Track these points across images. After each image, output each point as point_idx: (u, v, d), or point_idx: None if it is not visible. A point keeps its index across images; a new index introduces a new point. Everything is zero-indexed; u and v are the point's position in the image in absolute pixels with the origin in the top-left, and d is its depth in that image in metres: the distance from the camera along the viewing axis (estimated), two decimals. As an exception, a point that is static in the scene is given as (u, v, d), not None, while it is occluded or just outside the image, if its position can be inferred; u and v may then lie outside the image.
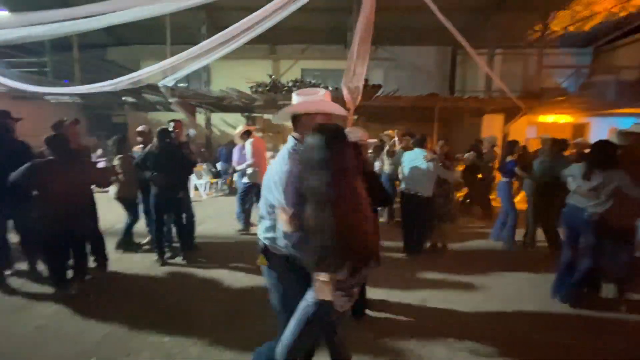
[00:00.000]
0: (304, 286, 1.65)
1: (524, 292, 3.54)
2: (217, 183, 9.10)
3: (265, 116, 11.22)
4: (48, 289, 3.34)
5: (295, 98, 1.79)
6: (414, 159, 4.31)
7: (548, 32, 8.59)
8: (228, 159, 8.41)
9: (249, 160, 5.07)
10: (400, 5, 8.95)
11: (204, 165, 8.93)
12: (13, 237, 3.58)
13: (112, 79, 4.86)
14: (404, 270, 3.97)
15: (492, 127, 9.79)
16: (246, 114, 11.33)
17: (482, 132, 9.61)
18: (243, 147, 5.28)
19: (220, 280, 3.71)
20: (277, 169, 1.66)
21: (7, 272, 3.52)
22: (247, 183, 5.25)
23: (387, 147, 6.07)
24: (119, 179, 4.16)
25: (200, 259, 4.25)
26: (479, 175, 6.49)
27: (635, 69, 9.53)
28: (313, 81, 8.98)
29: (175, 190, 4.06)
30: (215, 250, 4.58)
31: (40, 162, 3.13)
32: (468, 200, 7.02)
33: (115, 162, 4.21)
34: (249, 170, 5.15)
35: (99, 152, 8.24)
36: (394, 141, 6.01)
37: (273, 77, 8.67)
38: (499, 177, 5.25)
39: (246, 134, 5.30)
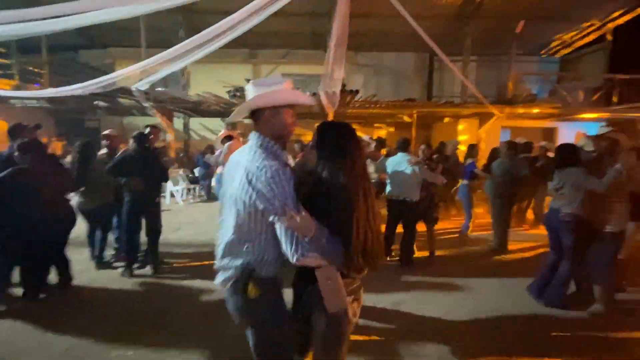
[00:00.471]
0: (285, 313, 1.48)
1: (500, 294, 3.54)
2: (194, 189, 8.92)
3: (246, 121, 11.10)
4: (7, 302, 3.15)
5: (252, 90, 1.45)
6: (398, 163, 4.21)
7: (520, 40, 9.02)
8: (207, 165, 8.28)
9: (222, 164, 4.99)
10: (379, 13, 9.16)
11: (181, 171, 8.74)
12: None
13: (83, 82, 4.70)
14: (379, 274, 3.92)
15: (468, 130, 10.10)
16: (226, 119, 11.20)
17: (458, 136, 9.90)
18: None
19: (192, 290, 3.54)
20: (251, 169, 1.33)
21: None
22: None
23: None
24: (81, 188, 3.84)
25: (171, 269, 4.10)
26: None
27: (597, 76, 10.14)
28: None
29: (152, 196, 3.94)
30: (188, 258, 4.44)
31: (17, 169, 3.00)
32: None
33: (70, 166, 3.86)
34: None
35: (69, 158, 7.91)
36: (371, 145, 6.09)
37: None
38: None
39: (227, 139, 5.23)
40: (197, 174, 8.97)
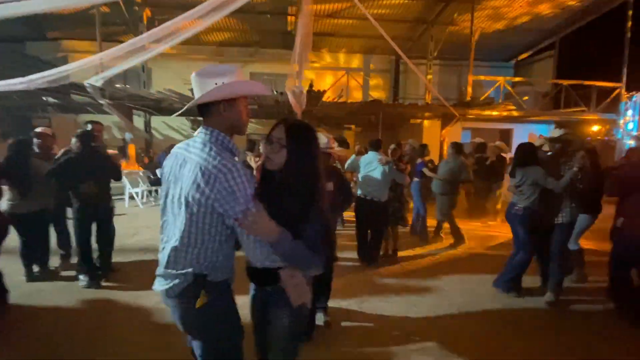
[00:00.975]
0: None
1: (473, 292, 3.62)
2: (156, 191, 8.53)
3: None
4: None
5: (200, 81, 1.29)
6: (369, 162, 4.21)
7: (477, 45, 9.56)
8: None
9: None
10: (347, 14, 9.30)
11: (141, 172, 8.33)
12: None
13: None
14: (354, 276, 3.95)
15: (431, 131, 10.49)
16: (191, 117, 10.82)
17: (423, 136, 10.25)
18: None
19: (149, 302, 3.17)
20: (207, 168, 1.20)
21: None
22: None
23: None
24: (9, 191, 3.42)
25: (123, 278, 3.78)
26: None
27: (547, 81, 10.95)
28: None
29: (104, 199, 3.69)
30: (147, 266, 4.11)
31: None
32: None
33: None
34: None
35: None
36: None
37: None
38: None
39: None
40: (159, 175, 8.58)
